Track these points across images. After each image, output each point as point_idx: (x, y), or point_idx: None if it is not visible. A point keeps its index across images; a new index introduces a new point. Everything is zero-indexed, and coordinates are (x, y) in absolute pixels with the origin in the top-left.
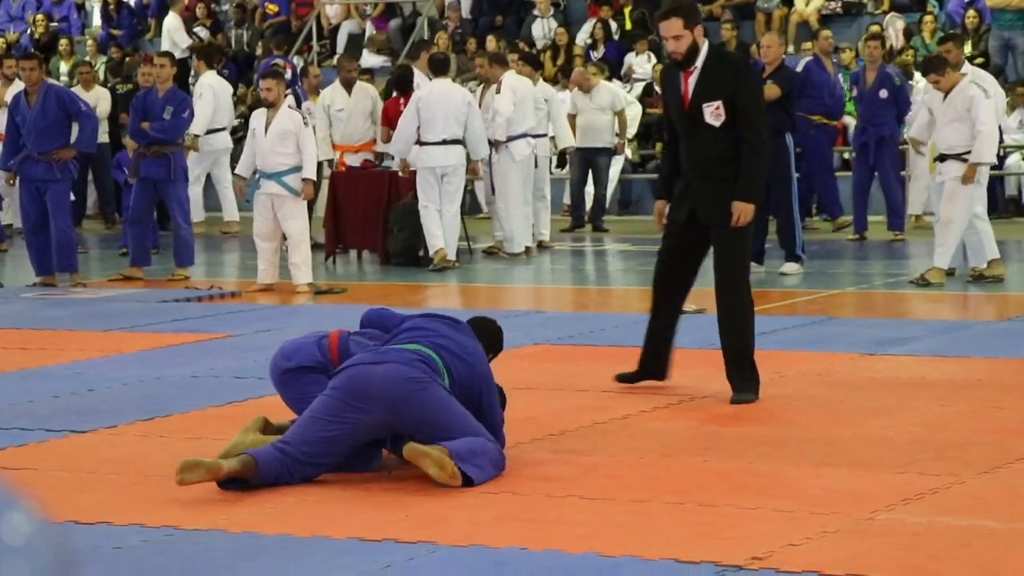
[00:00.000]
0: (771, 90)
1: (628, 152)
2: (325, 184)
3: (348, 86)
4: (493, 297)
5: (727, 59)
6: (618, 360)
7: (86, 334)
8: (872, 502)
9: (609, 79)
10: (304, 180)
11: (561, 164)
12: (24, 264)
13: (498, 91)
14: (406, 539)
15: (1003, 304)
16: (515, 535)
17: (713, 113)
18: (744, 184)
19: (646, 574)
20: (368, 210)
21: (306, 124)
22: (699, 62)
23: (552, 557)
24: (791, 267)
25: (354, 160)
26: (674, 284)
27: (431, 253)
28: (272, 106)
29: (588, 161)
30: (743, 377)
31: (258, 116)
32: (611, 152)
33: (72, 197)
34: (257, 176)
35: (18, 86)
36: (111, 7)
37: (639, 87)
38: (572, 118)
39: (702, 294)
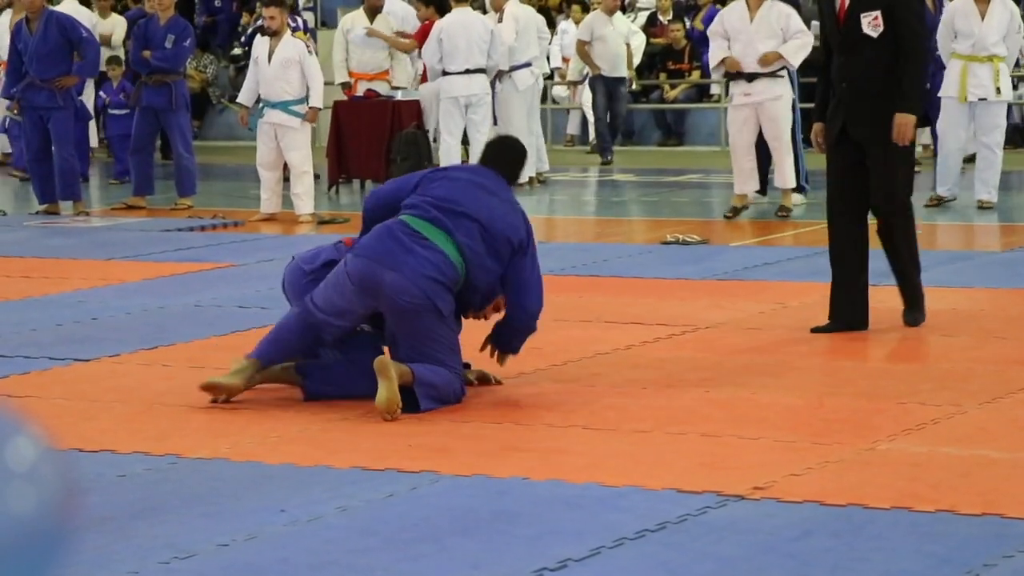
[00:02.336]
0: None
1: (632, 83)
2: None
3: (372, 13)
4: None
5: None
6: (621, 291)
7: (89, 262)
8: (873, 432)
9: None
10: (311, 109)
11: None
12: (27, 192)
13: (500, 19)
14: (409, 469)
15: (1007, 234)
16: (518, 465)
17: (871, 23)
18: (904, 94)
19: (648, 504)
20: (371, 139)
21: (310, 52)
22: None
23: (555, 487)
24: (794, 197)
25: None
26: (847, 209)
27: None
28: (275, 34)
29: (610, 91)
30: (917, 300)
31: (261, 44)
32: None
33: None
34: (261, 105)
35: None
36: None
37: (643, 16)
38: (585, 45)
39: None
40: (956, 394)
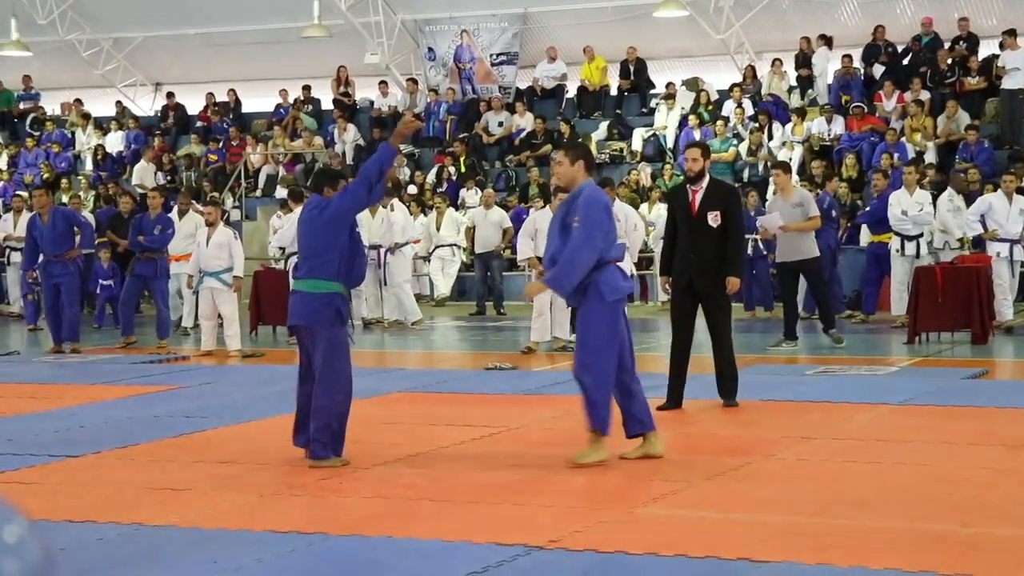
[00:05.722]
0: None
1: (464, 256)
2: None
3: (181, 215)
4: (377, 358)
5: (723, 184)
6: (457, 403)
7: (78, 386)
8: (632, 500)
9: (450, 206)
10: (235, 277)
11: None
12: (36, 338)
13: (392, 209)
14: (306, 531)
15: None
16: (383, 527)
17: (713, 218)
18: (732, 265)
19: (476, 553)
20: (281, 296)
21: (236, 238)
22: (704, 184)
23: (409, 543)
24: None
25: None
26: (683, 335)
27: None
28: (212, 225)
29: (486, 263)
30: (732, 391)
31: (202, 232)
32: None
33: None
34: (201, 274)
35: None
36: (99, 156)
37: (472, 212)
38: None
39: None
40: (687, 473)
